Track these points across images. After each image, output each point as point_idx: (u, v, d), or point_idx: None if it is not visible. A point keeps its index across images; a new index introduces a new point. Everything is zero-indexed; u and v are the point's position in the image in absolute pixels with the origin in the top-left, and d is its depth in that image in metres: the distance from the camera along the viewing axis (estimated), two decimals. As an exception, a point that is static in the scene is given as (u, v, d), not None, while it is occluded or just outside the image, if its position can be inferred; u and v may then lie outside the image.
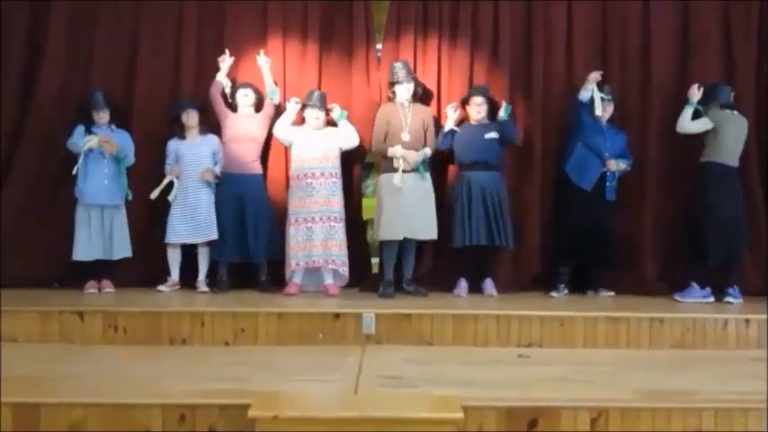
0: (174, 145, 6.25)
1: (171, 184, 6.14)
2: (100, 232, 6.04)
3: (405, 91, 6.21)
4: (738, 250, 6.13)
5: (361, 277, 6.40)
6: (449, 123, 6.25)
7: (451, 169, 6.40)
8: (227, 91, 6.38)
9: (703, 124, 6.08)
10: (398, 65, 6.24)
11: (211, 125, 6.35)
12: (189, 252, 6.27)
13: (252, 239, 6.16)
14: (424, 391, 3.99)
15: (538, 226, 6.49)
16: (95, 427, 3.61)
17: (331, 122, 6.31)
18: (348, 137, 6.24)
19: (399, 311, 5.32)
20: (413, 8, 6.58)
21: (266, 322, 5.20)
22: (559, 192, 6.41)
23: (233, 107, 6.39)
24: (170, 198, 6.12)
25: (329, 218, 6.07)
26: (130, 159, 6.18)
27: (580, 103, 6.23)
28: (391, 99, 6.28)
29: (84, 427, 3.60)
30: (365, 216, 6.68)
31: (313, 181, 6.08)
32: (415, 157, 6.07)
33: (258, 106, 6.41)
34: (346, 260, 6.11)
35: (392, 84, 6.25)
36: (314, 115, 6.19)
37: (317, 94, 6.26)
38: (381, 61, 6.54)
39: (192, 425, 3.61)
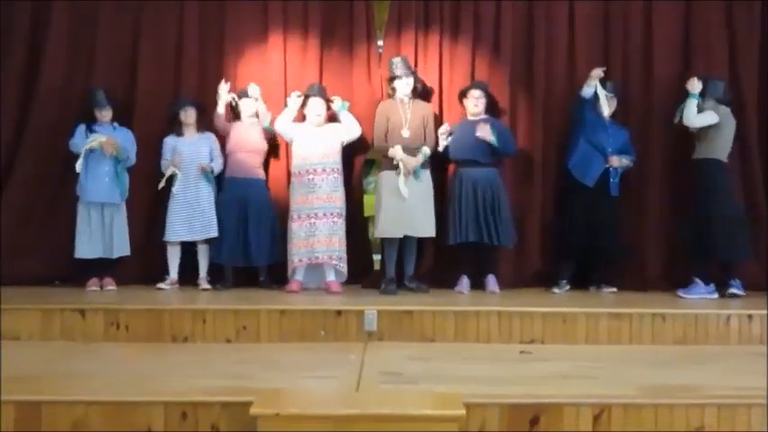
0: (171, 142, 6.25)
1: (173, 176, 6.15)
2: (100, 230, 6.05)
3: (404, 86, 6.20)
4: (746, 245, 6.11)
5: (362, 274, 6.40)
6: (442, 143, 6.21)
7: (451, 166, 6.38)
8: (233, 104, 6.39)
9: (710, 118, 6.01)
10: (397, 60, 6.23)
11: (208, 123, 6.35)
12: (189, 250, 6.27)
13: (254, 243, 6.16)
14: (426, 387, 3.97)
15: (539, 222, 6.49)
16: (97, 425, 3.59)
17: (332, 119, 6.31)
18: (350, 128, 6.24)
19: (401, 308, 5.31)
20: (414, 5, 6.57)
21: (268, 319, 5.18)
22: (562, 188, 6.40)
23: (238, 115, 6.40)
24: (174, 190, 6.13)
25: (332, 213, 6.08)
26: (132, 160, 6.19)
27: (583, 100, 6.22)
28: (391, 95, 6.27)
29: (86, 425, 3.59)
30: (366, 213, 6.68)
31: (315, 177, 6.08)
32: (414, 162, 6.05)
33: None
34: (344, 256, 6.12)
35: (391, 79, 6.24)
36: (315, 111, 6.18)
37: (317, 85, 6.28)
38: (382, 58, 6.53)
39: (194, 422, 3.60)
